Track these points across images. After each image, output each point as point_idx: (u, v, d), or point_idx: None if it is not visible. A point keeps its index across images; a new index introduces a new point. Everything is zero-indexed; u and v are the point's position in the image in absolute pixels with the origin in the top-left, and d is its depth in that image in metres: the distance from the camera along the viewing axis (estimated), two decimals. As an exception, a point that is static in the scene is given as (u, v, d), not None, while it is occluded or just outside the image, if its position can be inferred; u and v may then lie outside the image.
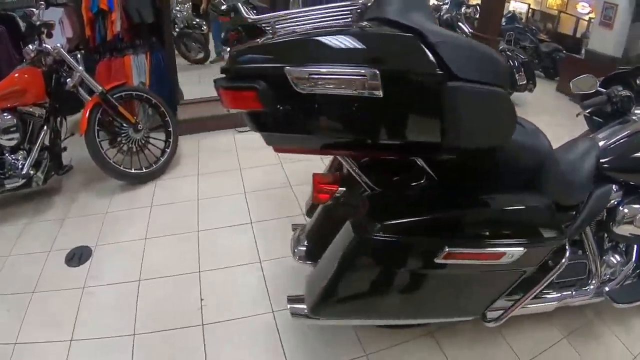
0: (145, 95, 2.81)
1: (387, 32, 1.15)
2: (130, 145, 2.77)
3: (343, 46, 1.09)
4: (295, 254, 1.73)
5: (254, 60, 1.14)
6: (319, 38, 1.15)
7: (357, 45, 1.11)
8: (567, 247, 1.48)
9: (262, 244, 2.30)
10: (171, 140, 2.92)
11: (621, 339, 1.82)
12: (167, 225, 2.40)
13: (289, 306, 1.43)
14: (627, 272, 1.79)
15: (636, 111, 1.87)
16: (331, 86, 1.05)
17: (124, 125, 2.73)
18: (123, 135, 2.74)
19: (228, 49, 3.66)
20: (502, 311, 1.53)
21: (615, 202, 1.69)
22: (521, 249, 1.29)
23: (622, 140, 1.73)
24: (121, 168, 2.66)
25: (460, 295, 1.46)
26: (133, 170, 2.71)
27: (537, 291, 1.51)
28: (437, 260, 1.23)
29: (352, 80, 1.03)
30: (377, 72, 1.01)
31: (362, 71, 1.02)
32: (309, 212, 1.89)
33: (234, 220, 2.48)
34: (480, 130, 1.16)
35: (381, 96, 1.03)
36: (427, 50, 1.05)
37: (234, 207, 2.61)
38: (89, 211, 2.55)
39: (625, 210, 1.68)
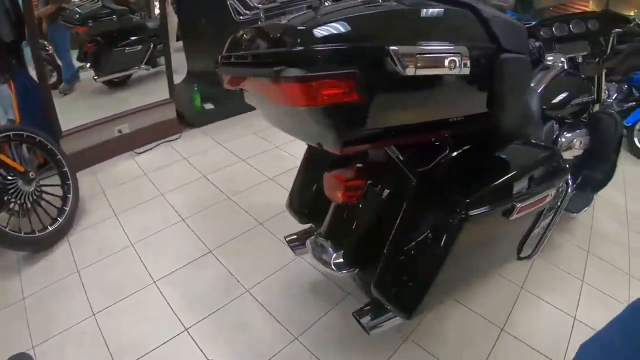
0: (25, 133, 2.17)
1: (456, 9, 1.14)
2: (22, 202, 2.13)
3: (435, 21, 1.07)
4: (330, 264, 1.48)
5: (343, 38, 0.94)
6: (417, 9, 1.08)
7: (445, 20, 1.09)
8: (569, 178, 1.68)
9: (238, 270, 2.05)
10: (70, 182, 2.35)
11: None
12: (112, 288, 1.94)
13: (365, 324, 1.36)
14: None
15: (548, 57, 2.15)
16: (432, 66, 0.99)
17: (9, 177, 2.10)
18: (10, 191, 2.09)
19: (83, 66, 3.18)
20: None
21: (555, 135, 1.95)
22: (554, 188, 1.43)
23: (549, 84, 1.99)
24: (18, 234, 2.02)
25: (511, 243, 1.57)
26: (36, 234, 2.08)
27: (556, 221, 1.69)
28: (511, 218, 1.28)
29: (451, 58, 1.01)
30: (467, 48, 1.04)
31: (458, 48, 1.03)
32: (305, 217, 1.77)
33: (189, 254, 2.15)
34: (516, 93, 1.30)
35: (467, 73, 1.05)
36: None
37: (180, 239, 2.26)
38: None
39: (563, 140, 1.97)
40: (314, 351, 1.68)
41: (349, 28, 0.96)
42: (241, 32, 1.35)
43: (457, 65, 1.00)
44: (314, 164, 1.80)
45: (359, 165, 1.46)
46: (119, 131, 3.00)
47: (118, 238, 2.25)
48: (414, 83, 1.01)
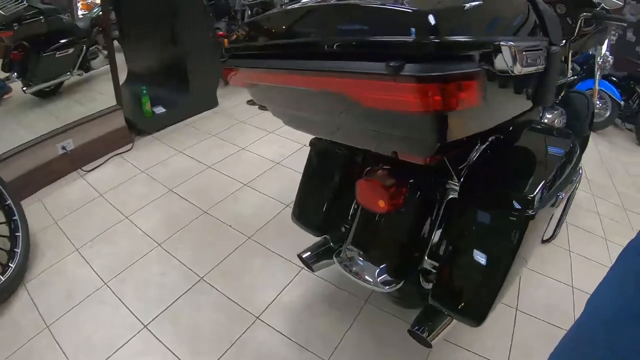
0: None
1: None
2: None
3: (516, 12, 1.01)
4: (375, 281, 1.34)
5: (468, 29, 0.84)
6: None
7: (520, 12, 1.02)
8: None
9: (240, 295, 1.84)
10: (17, 217, 1.96)
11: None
12: (95, 342, 1.63)
13: (427, 338, 1.26)
14: None
15: None
16: (532, 64, 0.93)
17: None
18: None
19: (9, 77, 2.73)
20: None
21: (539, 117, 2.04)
22: (579, 172, 1.51)
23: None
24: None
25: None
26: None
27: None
28: (557, 208, 1.28)
29: (540, 54, 0.96)
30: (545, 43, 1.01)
31: (542, 43, 1.01)
32: (320, 229, 1.62)
33: (177, 286, 1.89)
34: (555, 86, 1.25)
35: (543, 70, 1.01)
36: None
37: (162, 269, 1.98)
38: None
39: (546, 120, 2.03)
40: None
41: (471, 16, 0.86)
42: (273, 15, 1.22)
43: (541, 61, 0.89)
44: (320, 170, 1.68)
45: (390, 168, 1.32)
46: (63, 148, 2.59)
47: (87, 277, 1.92)
48: (510, 83, 0.93)
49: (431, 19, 0.78)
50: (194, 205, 2.44)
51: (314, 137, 1.69)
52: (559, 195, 1.25)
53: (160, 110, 3.37)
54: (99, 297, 1.82)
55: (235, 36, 1.35)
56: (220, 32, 4.17)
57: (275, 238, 2.21)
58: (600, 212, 2.82)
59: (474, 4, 0.89)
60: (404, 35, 0.80)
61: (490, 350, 1.66)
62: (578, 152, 1.45)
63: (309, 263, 1.61)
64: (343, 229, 1.60)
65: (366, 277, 1.37)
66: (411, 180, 1.32)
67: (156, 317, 1.73)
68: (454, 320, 1.29)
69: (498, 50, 0.83)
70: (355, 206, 1.58)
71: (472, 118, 0.94)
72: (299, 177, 2.47)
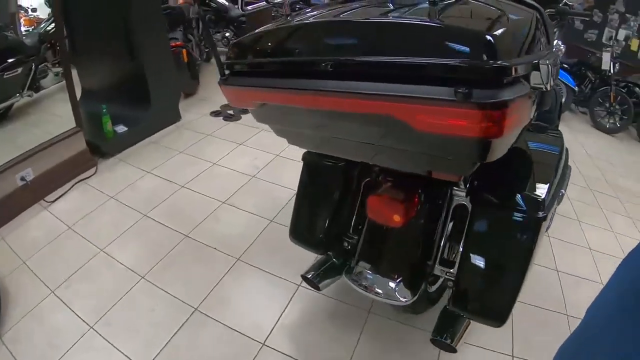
0: None
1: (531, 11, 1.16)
2: None
3: (533, 25, 1.06)
4: (395, 297, 1.37)
5: (520, 49, 0.93)
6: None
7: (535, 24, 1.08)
8: None
9: (240, 324, 1.77)
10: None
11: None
12: None
13: (452, 344, 1.28)
14: None
15: None
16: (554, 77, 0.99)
17: None
18: None
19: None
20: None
21: None
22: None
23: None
24: None
25: None
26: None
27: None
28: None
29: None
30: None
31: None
32: (322, 247, 1.60)
33: (172, 320, 1.79)
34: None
35: None
36: None
37: (150, 304, 1.87)
38: None
39: None
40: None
41: (515, 37, 0.91)
42: (296, 28, 1.20)
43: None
44: (317, 185, 1.66)
45: (396, 180, 1.36)
46: (22, 179, 2.38)
47: (69, 322, 1.77)
48: (536, 96, 1.02)
49: (492, 42, 0.80)
50: (173, 230, 2.32)
51: (306, 151, 1.66)
52: (561, 193, 1.32)
53: (122, 129, 3.18)
54: (87, 343, 1.69)
55: (233, 51, 1.29)
56: (177, 42, 4.01)
57: (266, 257, 2.17)
58: (570, 196, 3.00)
59: (516, 24, 0.92)
60: (463, 58, 0.81)
61: (496, 343, 1.74)
62: (564, 146, 1.52)
63: (315, 282, 1.57)
64: (346, 244, 1.60)
65: (382, 291, 1.39)
66: (420, 191, 1.35)
67: (154, 358, 1.64)
68: (471, 322, 1.33)
69: (537, 68, 0.86)
70: (360, 220, 1.58)
71: (512, 136, 0.98)
72: (277, 190, 2.42)
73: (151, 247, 2.20)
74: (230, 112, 3.91)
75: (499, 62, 0.78)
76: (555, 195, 1.29)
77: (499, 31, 0.85)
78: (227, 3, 5.40)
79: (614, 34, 5.22)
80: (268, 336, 1.74)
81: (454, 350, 1.30)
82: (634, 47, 5.16)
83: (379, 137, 1.10)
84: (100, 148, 3.00)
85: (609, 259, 2.40)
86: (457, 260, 1.35)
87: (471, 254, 1.28)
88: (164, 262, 2.11)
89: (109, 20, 3.10)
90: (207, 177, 2.88)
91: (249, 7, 5.69)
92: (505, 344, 1.75)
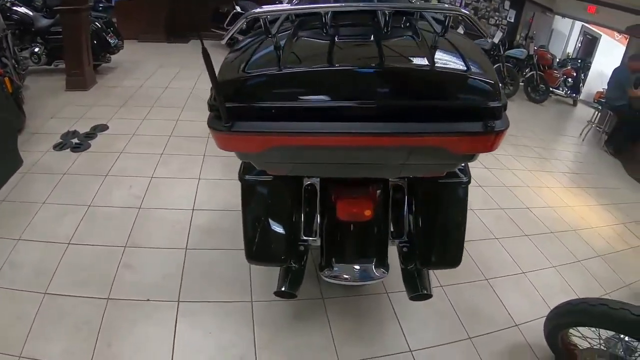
0: None
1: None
2: None
3: None
4: (377, 277, 1.69)
5: None
6: None
7: None
8: None
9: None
10: None
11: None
12: None
13: (429, 292, 1.72)
14: None
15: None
16: None
17: None
18: None
19: None
20: None
21: None
22: None
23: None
24: None
25: None
26: None
27: None
28: None
29: None
30: None
31: None
32: (284, 259, 1.71)
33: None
34: None
35: None
36: None
37: None
38: None
39: None
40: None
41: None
42: (324, 73, 1.30)
43: None
44: (266, 205, 1.74)
45: (356, 183, 1.66)
46: None
47: None
48: None
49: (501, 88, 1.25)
50: (89, 299, 2.06)
51: (242, 172, 1.70)
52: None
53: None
54: None
55: (241, 91, 1.28)
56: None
57: (203, 286, 2.19)
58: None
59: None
60: (485, 100, 1.24)
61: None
62: None
63: (290, 293, 1.71)
64: (302, 247, 1.76)
65: (362, 277, 1.69)
66: (375, 186, 1.67)
67: None
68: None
69: None
70: (309, 223, 1.75)
71: None
72: (172, 214, 2.44)
73: (76, 328, 1.91)
74: (76, 140, 3.46)
75: (505, 101, 1.25)
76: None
77: (497, 77, 1.28)
78: (31, 13, 4.53)
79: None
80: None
81: (431, 296, 1.70)
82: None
83: (403, 160, 1.38)
84: None
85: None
86: (407, 230, 1.73)
87: (423, 223, 1.68)
88: (102, 342, 1.86)
89: None
90: (89, 224, 2.57)
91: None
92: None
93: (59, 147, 3.36)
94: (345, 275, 1.69)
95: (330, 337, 2.01)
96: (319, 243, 1.76)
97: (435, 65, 1.28)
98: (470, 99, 1.28)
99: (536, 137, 5.66)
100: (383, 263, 1.70)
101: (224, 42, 1.37)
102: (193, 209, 2.84)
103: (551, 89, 7.55)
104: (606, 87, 6.22)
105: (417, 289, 1.69)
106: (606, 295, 2.64)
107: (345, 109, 1.22)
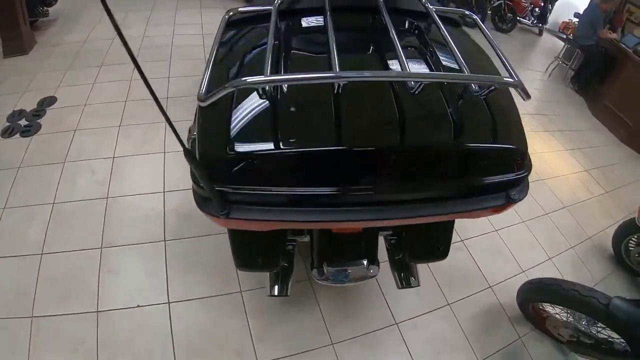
0: None
1: None
2: None
3: None
4: (371, 274, 1.69)
5: None
6: None
7: None
8: None
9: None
10: None
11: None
12: None
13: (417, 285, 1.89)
14: None
15: None
16: None
17: None
18: None
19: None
20: None
21: None
22: None
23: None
24: None
25: None
26: None
27: None
28: None
29: None
30: None
31: None
32: (275, 264, 1.71)
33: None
34: None
35: None
36: None
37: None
38: None
39: None
40: None
41: None
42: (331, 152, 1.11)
43: None
44: None
45: None
46: None
47: None
48: None
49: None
50: (79, 315, 2.04)
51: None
52: None
53: None
54: None
55: (225, 171, 1.12)
56: None
57: (191, 281, 2.22)
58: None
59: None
60: (511, 174, 1.20)
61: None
62: None
63: (284, 294, 1.78)
64: (290, 247, 1.80)
65: (357, 277, 1.70)
66: None
67: None
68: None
69: None
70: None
71: None
72: (143, 201, 2.75)
73: (74, 350, 1.91)
74: (24, 121, 3.14)
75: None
76: None
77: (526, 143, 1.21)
78: None
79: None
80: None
81: (419, 284, 1.81)
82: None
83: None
84: None
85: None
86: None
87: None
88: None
89: None
90: (58, 226, 2.44)
91: None
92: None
93: (7, 133, 3.05)
94: (338, 278, 1.70)
95: (322, 319, 2.12)
96: (307, 240, 1.79)
97: (462, 140, 1.16)
98: (498, 175, 1.19)
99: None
100: (375, 260, 1.72)
101: (204, 104, 1.07)
102: (164, 191, 2.74)
103: (518, 18, 7.35)
104: (573, 19, 6.25)
105: (407, 282, 1.79)
106: (570, 250, 2.83)
107: (363, 196, 1.13)
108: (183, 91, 3.72)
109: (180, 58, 4.26)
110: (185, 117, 3.25)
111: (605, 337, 1.85)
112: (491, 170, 1.20)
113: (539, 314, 2.16)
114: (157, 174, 2.85)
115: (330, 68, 1.09)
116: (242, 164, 1.09)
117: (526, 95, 1.11)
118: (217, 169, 1.09)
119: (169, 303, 2.15)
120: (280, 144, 1.11)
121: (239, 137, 1.12)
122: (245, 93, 1.21)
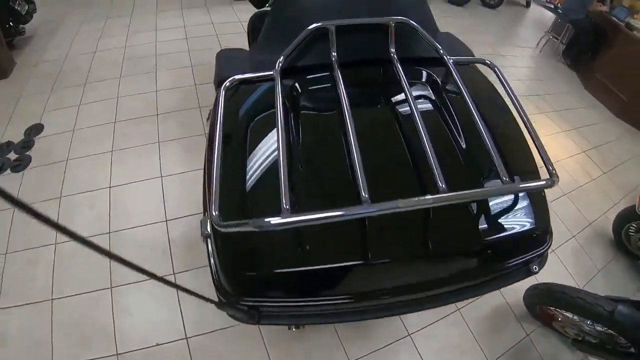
0: None
1: None
2: None
3: None
4: None
5: None
6: None
7: None
8: None
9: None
10: None
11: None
12: None
13: None
14: None
15: None
16: None
17: None
18: None
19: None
20: None
21: None
22: None
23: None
24: None
25: None
26: None
27: None
28: None
29: None
30: None
31: None
32: None
33: None
34: None
35: None
36: None
37: None
38: None
39: None
40: None
41: None
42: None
43: None
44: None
45: None
46: None
47: None
48: None
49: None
50: (99, 359, 2.06)
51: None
52: None
53: None
54: None
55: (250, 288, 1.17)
56: None
57: (206, 314, 2.21)
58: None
59: None
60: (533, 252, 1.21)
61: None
62: None
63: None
64: None
65: None
66: None
67: None
68: None
69: None
70: None
71: None
72: (145, 233, 2.60)
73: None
74: (13, 155, 3.08)
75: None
76: None
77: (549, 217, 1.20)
78: None
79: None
80: None
81: None
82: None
83: None
84: None
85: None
86: None
87: None
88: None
89: None
90: (63, 269, 2.41)
91: None
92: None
93: (-5, 169, 2.98)
94: None
95: (336, 335, 2.16)
96: None
97: (491, 237, 1.15)
98: (521, 256, 1.22)
99: (494, 53, 5.48)
100: None
101: (224, 230, 1.09)
102: (166, 220, 2.72)
103: (505, -9, 7.14)
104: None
105: None
106: (572, 239, 2.87)
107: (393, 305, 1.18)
108: (173, 105, 3.64)
109: (165, 68, 4.15)
110: (180, 134, 3.25)
111: (610, 337, 1.91)
112: (515, 254, 1.22)
113: (546, 313, 2.22)
114: (156, 201, 2.82)
115: (357, 194, 1.07)
116: (269, 282, 1.14)
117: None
118: (245, 289, 1.15)
119: (186, 338, 2.17)
120: (305, 263, 1.12)
121: (262, 256, 1.16)
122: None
